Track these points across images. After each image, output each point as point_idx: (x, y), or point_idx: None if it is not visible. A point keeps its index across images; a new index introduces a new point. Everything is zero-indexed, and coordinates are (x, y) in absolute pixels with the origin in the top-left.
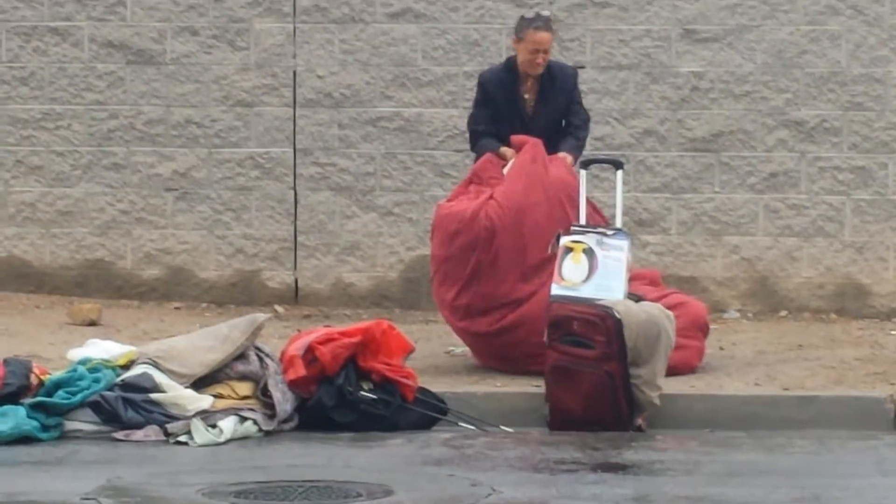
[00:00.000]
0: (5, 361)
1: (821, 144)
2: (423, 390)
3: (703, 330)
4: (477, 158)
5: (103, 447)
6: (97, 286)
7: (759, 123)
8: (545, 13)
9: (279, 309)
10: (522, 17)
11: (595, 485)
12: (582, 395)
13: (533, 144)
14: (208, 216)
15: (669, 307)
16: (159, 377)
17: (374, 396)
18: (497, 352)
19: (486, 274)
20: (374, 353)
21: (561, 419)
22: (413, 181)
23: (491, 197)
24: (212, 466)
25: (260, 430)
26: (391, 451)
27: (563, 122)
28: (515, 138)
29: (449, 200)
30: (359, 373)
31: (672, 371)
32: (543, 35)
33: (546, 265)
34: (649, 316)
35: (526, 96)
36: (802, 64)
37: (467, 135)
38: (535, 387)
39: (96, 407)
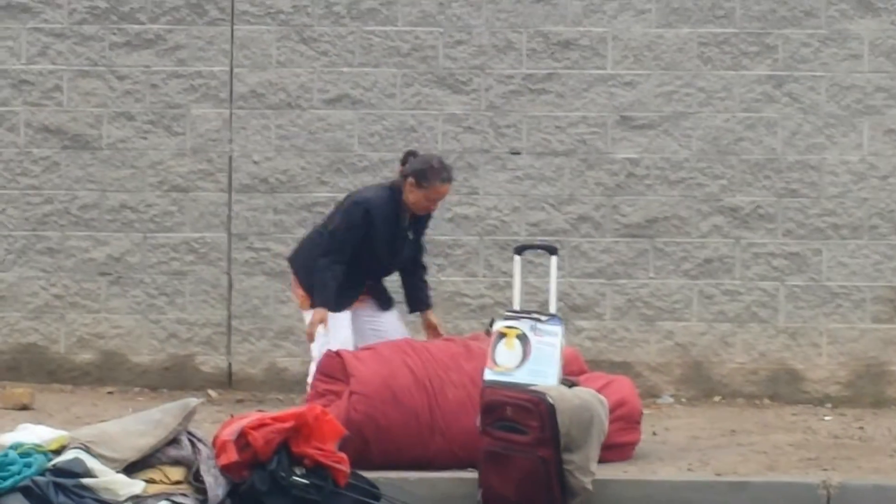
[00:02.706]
0: None
1: (755, 230)
2: (355, 475)
3: (638, 421)
4: (315, 278)
5: None
6: (30, 370)
7: (694, 210)
8: (448, 162)
9: (212, 393)
10: (431, 166)
11: None
12: (515, 480)
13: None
14: (142, 300)
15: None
16: (91, 462)
17: (307, 481)
18: None
19: (397, 446)
20: (306, 438)
21: None
22: None
23: (351, 393)
24: None
25: None
26: None
27: None
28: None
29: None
30: (291, 458)
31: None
32: (448, 187)
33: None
34: (582, 401)
35: (407, 232)
36: (738, 151)
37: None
38: (468, 472)
39: (27, 492)
